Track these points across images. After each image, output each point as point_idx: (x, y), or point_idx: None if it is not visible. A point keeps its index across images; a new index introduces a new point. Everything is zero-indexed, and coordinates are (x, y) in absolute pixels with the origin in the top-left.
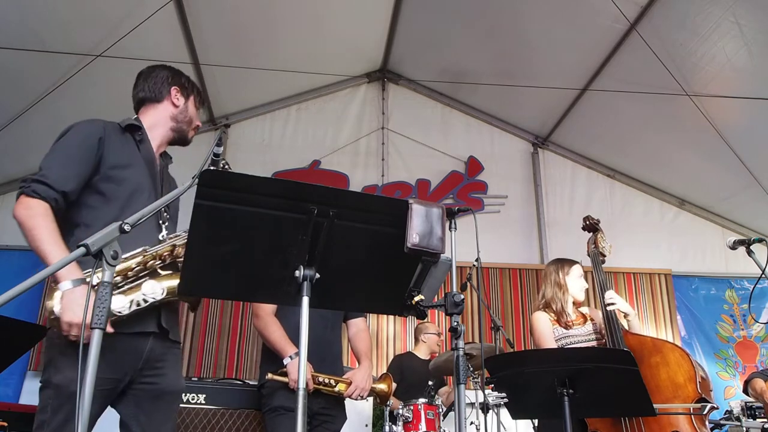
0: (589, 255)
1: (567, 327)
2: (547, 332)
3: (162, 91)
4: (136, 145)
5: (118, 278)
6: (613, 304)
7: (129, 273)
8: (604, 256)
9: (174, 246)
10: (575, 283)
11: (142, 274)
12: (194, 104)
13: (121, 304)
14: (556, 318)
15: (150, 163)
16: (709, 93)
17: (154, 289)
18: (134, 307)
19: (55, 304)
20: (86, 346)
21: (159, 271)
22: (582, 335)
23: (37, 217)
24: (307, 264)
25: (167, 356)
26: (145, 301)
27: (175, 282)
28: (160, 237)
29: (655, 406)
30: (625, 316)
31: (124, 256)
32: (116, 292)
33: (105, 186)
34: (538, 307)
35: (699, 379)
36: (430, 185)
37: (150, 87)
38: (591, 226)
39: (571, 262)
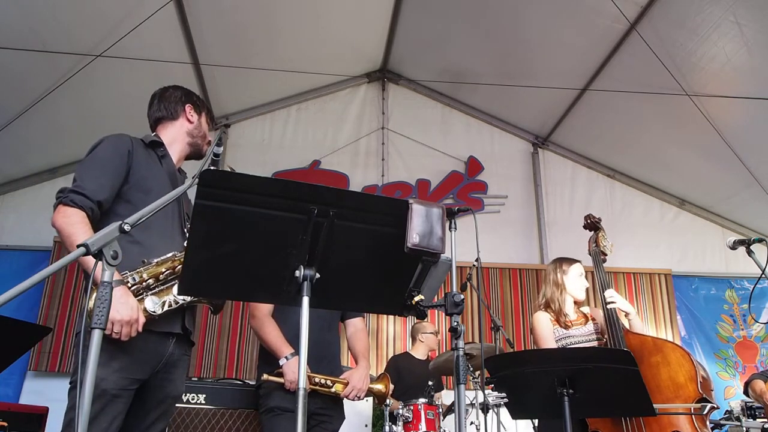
0: (590, 254)
1: (566, 327)
2: (546, 333)
3: (177, 109)
4: (158, 160)
5: (151, 281)
6: (613, 302)
7: (160, 276)
8: (606, 254)
9: None
10: (575, 283)
11: (172, 277)
12: (206, 120)
13: (154, 304)
14: (555, 318)
15: (172, 176)
16: (709, 93)
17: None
18: (166, 308)
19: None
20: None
21: None
22: (582, 335)
23: (76, 225)
24: (307, 264)
25: (180, 363)
26: (176, 303)
27: None
28: (186, 244)
29: (655, 405)
30: (626, 315)
31: (155, 261)
32: (150, 293)
33: (133, 195)
34: (539, 307)
35: (700, 379)
36: (430, 185)
37: (165, 106)
38: (592, 224)
39: (571, 261)
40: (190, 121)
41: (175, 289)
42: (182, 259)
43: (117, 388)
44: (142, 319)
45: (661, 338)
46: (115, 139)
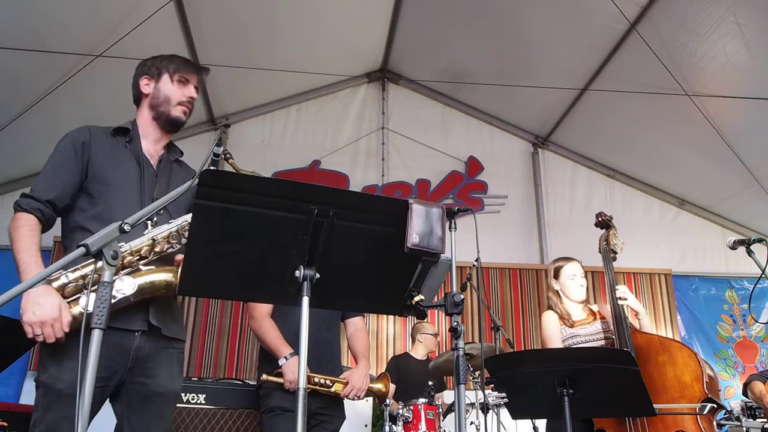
0: (600, 252)
1: (572, 326)
2: (553, 332)
3: (137, 87)
4: (126, 147)
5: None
6: (624, 299)
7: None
8: (616, 253)
9: (153, 240)
10: (568, 283)
11: (122, 272)
12: (170, 80)
13: (87, 302)
14: (560, 318)
15: (138, 161)
16: (709, 93)
17: (123, 286)
18: None
19: None
20: (56, 344)
21: (141, 267)
22: (588, 334)
23: (18, 228)
24: (307, 264)
25: (160, 356)
26: (114, 298)
27: (153, 277)
28: (145, 233)
29: (660, 405)
30: (636, 314)
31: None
32: (88, 291)
33: (93, 188)
34: (547, 306)
35: (706, 378)
36: (430, 185)
37: (132, 89)
38: (603, 222)
39: (565, 260)
40: (145, 95)
41: (117, 283)
42: (130, 251)
43: (73, 388)
44: (67, 318)
45: (668, 338)
46: (72, 134)
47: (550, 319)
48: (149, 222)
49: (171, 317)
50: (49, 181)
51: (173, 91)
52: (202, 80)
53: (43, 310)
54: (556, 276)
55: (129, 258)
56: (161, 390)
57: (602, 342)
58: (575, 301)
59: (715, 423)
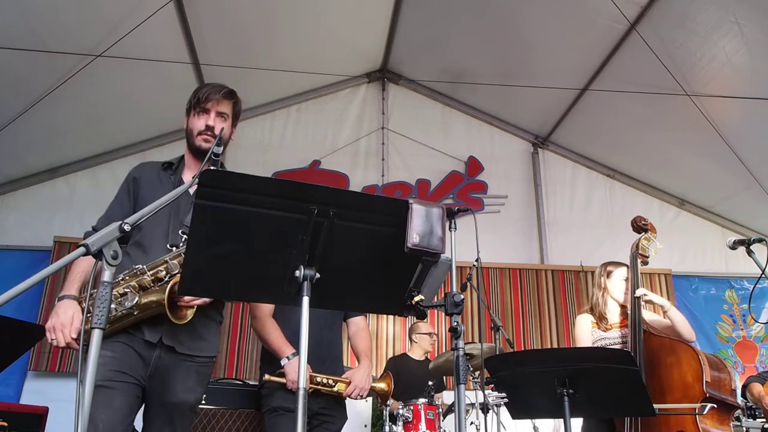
0: (630, 256)
1: (606, 330)
2: (582, 336)
3: None
4: (171, 178)
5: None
6: (644, 294)
7: (119, 290)
8: (647, 256)
9: (166, 262)
10: (618, 286)
11: (140, 292)
12: (194, 114)
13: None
14: (597, 321)
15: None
16: (709, 93)
17: (127, 300)
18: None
19: None
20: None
21: (156, 288)
22: (617, 337)
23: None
24: (307, 264)
25: (178, 368)
26: (118, 311)
27: (153, 297)
28: (186, 244)
29: (664, 405)
30: (662, 309)
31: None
32: (86, 295)
33: None
34: (585, 309)
35: (707, 378)
36: (430, 185)
37: None
38: (638, 227)
39: (617, 264)
40: (184, 129)
41: (123, 298)
42: (147, 272)
43: (103, 379)
44: (76, 325)
45: (678, 339)
46: (131, 171)
47: (583, 322)
48: (173, 249)
49: (193, 334)
50: (108, 215)
51: (195, 123)
52: (232, 102)
53: (59, 319)
54: (608, 276)
55: (147, 279)
56: (175, 400)
57: (622, 345)
58: (618, 302)
59: (732, 423)
